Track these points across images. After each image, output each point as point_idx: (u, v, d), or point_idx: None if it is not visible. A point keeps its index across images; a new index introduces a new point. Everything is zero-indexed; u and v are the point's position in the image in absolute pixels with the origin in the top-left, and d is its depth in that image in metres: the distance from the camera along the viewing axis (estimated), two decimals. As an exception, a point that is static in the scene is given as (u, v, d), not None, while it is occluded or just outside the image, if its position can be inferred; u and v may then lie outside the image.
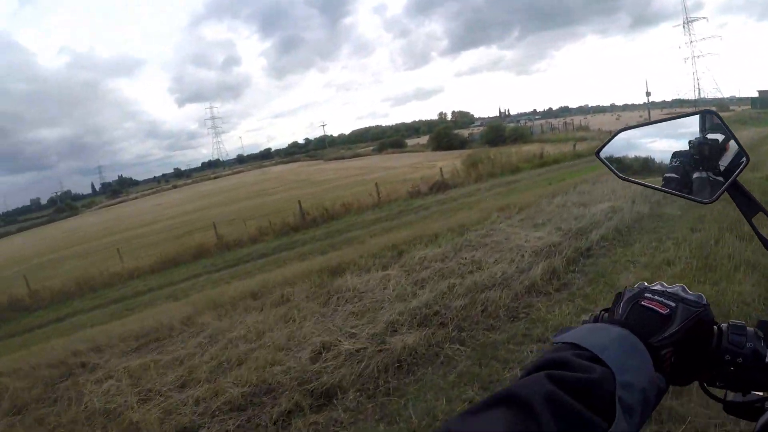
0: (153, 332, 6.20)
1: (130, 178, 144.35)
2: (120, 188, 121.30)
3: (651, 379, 0.57)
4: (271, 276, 8.16)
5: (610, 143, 0.98)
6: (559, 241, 6.59)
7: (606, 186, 10.34)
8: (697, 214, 6.96)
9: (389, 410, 3.56)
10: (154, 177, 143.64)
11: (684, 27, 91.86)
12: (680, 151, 0.91)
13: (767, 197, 5.95)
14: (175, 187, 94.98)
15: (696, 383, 0.76)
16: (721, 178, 0.85)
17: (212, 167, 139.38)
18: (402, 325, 4.72)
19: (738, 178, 0.82)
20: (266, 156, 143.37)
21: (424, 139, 66.11)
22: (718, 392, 0.79)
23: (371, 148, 79.47)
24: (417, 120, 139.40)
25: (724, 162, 0.86)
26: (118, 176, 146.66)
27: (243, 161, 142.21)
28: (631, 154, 1.00)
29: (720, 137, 0.87)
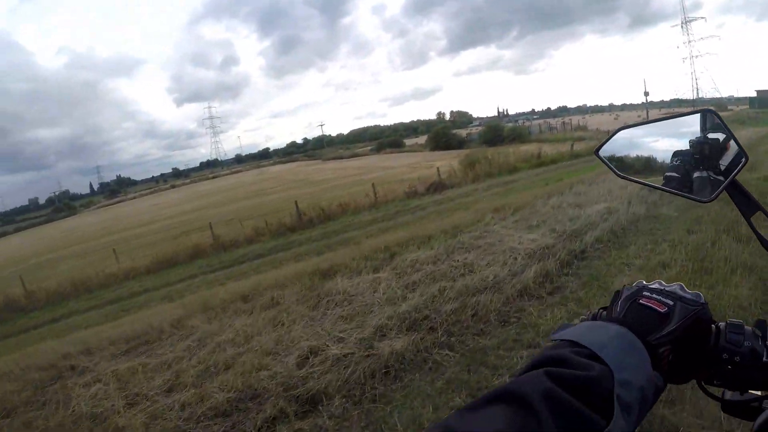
0: (143, 335, 6.16)
1: (129, 178, 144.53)
2: (118, 188, 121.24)
3: (649, 377, 0.58)
4: (263, 278, 8.13)
5: (609, 142, 0.98)
6: (553, 243, 6.53)
7: (602, 187, 10.31)
8: (694, 216, 6.94)
9: (375, 417, 3.50)
10: (153, 177, 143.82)
11: (682, 27, 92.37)
12: (681, 150, 0.91)
13: (765, 198, 5.88)
14: (173, 187, 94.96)
15: (693, 382, 0.75)
16: (721, 178, 0.85)
17: (211, 167, 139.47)
18: (391, 329, 4.63)
19: (737, 178, 0.82)
20: (265, 156, 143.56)
21: (422, 139, 66.33)
22: (716, 391, 0.78)
23: (369, 148, 79.86)
24: (415, 120, 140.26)
25: (724, 161, 0.86)
26: (117, 176, 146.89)
27: (241, 161, 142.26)
28: (631, 153, 1.00)
29: (721, 136, 0.87)
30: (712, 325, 0.72)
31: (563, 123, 55.96)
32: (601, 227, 7.09)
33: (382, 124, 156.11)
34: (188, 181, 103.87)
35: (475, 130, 67.71)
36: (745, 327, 0.72)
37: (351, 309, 5.35)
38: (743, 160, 0.81)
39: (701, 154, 0.88)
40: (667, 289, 0.73)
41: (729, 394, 0.78)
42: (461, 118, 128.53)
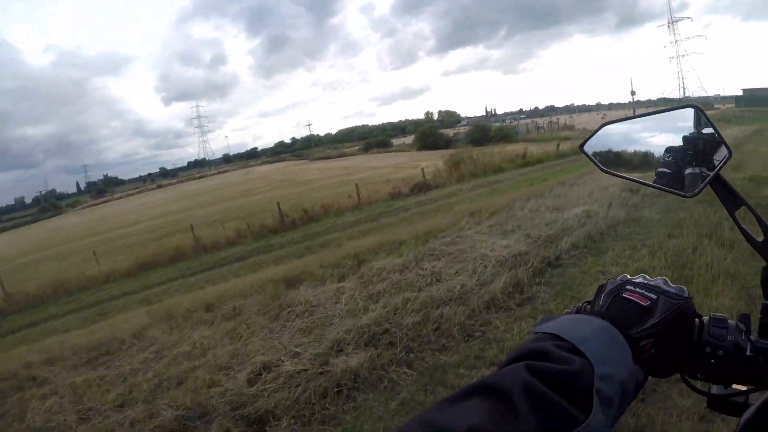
0: (106, 344, 6.04)
1: (116, 178, 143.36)
2: (105, 187, 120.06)
3: (630, 371, 0.58)
4: (231, 285, 7.99)
5: (594, 137, 0.97)
6: (527, 250, 6.32)
7: (583, 188, 10.22)
8: (676, 219, 6.87)
9: (323, 440, 3.33)
10: (140, 176, 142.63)
11: (669, 27, 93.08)
12: (674, 146, 0.91)
13: (750, 199, 5.79)
14: (159, 186, 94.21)
15: (677, 377, 0.76)
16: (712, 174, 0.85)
17: (198, 167, 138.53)
18: (348, 344, 4.43)
19: (721, 174, 0.83)
20: (252, 155, 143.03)
21: (410, 139, 66.23)
22: (703, 387, 0.79)
23: (357, 147, 79.62)
24: (404, 119, 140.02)
25: (709, 157, 0.86)
26: (104, 175, 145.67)
27: (229, 161, 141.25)
28: (615, 149, 0.99)
29: (713, 132, 0.87)
30: (696, 319, 0.73)
31: (550, 122, 56.21)
32: (578, 233, 6.90)
33: (370, 124, 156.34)
34: (175, 180, 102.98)
35: (462, 129, 67.94)
36: (729, 321, 0.72)
37: (311, 321, 5.15)
38: (726, 155, 0.83)
39: (695, 149, 0.87)
40: (650, 283, 0.73)
41: (714, 389, 0.80)
42: (449, 118, 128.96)
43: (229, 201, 32.13)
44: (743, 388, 0.75)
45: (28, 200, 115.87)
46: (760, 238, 0.80)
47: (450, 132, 61.78)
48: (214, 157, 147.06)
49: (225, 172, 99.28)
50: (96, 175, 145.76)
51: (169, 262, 14.83)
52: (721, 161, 0.83)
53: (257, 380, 4.09)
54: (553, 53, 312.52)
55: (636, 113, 1.07)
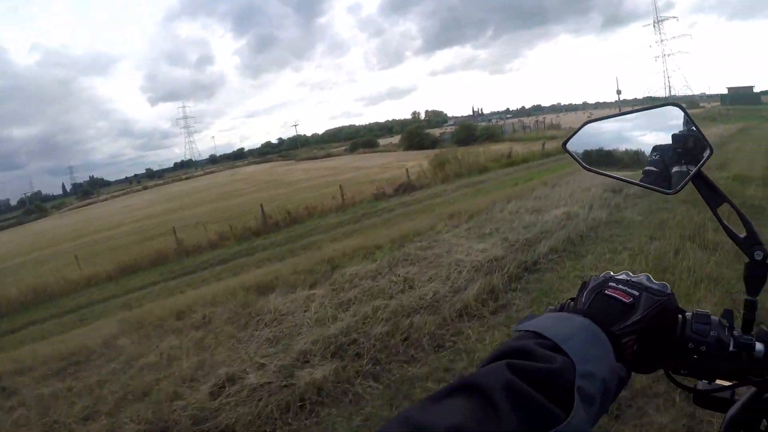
0: (76, 354, 5.96)
1: (102, 179, 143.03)
2: (91, 189, 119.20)
3: (612, 368, 0.58)
4: (204, 292, 7.84)
5: (576, 135, 0.98)
6: (503, 255, 6.21)
7: (565, 189, 10.19)
8: (658, 220, 6.81)
9: (283, 457, 3.24)
10: (126, 177, 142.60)
11: (654, 26, 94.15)
12: (661, 144, 0.91)
13: (735, 198, 5.75)
14: (145, 188, 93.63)
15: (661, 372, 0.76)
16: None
17: (185, 167, 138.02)
18: (315, 355, 4.30)
19: (703, 171, 0.84)
20: (239, 156, 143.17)
21: (396, 139, 66.28)
22: (688, 382, 0.80)
23: (344, 147, 79.67)
24: (390, 119, 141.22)
25: (697, 155, 0.86)
26: (90, 177, 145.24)
27: (216, 161, 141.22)
28: (597, 147, 1.00)
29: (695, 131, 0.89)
30: (679, 315, 0.73)
31: (537, 122, 56.49)
32: (557, 236, 6.78)
33: (357, 124, 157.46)
34: (161, 182, 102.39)
35: (449, 129, 68.06)
36: (712, 317, 0.73)
37: (279, 330, 5.03)
38: (707, 152, 0.83)
39: (684, 147, 0.87)
40: (633, 279, 0.73)
41: (700, 385, 0.80)
42: (436, 118, 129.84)
43: (215, 202, 31.96)
44: (727, 383, 0.76)
45: (13, 202, 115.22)
46: (743, 235, 0.80)
47: (437, 132, 62.11)
48: (200, 158, 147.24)
49: (211, 173, 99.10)
50: (82, 177, 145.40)
51: (151, 266, 14.71)
52: (703, 158, 0.83)
53: (220, 393, 3.98)
54: (539, 53, 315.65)
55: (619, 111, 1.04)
